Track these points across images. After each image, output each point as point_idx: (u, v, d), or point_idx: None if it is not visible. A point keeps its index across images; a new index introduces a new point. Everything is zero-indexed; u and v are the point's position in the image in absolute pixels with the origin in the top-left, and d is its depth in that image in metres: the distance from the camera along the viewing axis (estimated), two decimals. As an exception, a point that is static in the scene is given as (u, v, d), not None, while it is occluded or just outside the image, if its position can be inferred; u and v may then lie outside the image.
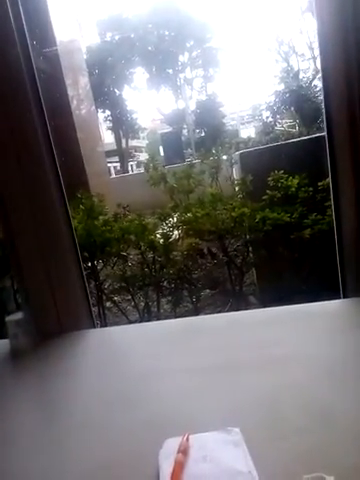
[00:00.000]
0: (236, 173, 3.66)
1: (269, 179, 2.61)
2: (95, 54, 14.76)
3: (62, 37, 7.75)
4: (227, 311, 3.06)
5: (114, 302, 2.96)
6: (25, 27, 1.41)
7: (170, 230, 2.78)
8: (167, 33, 15.41)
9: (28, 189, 1.45)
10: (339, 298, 1.30)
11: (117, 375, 1.02)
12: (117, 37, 15.56)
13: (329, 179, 1.30)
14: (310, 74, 10.99)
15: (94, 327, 1.54)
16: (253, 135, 12.57)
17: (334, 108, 1.23)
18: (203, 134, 15.57)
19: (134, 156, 18.28)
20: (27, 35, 1.42)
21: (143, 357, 1.07)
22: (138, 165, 18.27)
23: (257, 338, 1.04)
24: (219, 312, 3.09)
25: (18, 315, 1.35)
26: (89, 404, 0.92)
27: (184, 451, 0.71)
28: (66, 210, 1.57)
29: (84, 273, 1.55)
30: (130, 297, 2.91)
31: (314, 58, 12.10)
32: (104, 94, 15.41)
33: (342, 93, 1.19)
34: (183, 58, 16.27)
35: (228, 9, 23.14)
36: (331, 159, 1.29)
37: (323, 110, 1.28)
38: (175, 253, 2.76)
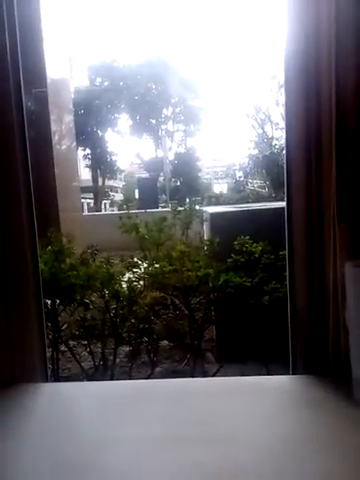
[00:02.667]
0: (206, 230, 3.81)
1: (235, 243, 2.74)
2: (82, 95, 15.27)
3: (53, 74, 8.00)
4: (184, 366, 3.05)
5: (70, 348, 2.89)
6: (20, 66, 1.52)
7: (136, 280, 2.81)
8: (154, 87, 16.29)
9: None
10: (289, 371, 1.37)
11: (65, 439, 1.01)
12: (106, 83, 16.25)
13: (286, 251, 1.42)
14: (282, 142, 11.83)
15: (47, 380, 1.52)
16: (225, 191, 13.13)
17: (294, 185, 1.37)
18: (178, 183, 16.10)
19: (109, 195, 18.46)
20: (21, 74, 1.53)
21: (94, 421, 1.08)
22: (111, 204, 18.41)
23: (207, 410, 1.08)
24: (175, 367, 3.08)
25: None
26: (34, 468, 0.91)
27: None
28: (35, 257, 1.60)
29: (45, 324, 1.55)
30: (86, 343, 2.86)
31: (287, 128, 13.02)
32: (87, 133, 15.78)
33: (302, 167, 1.34)
34: (167, 111, 17.15)
35: (214, 74, 24.98)
36: (289, 232, 1.40)
37: (285, 187, 1.42)
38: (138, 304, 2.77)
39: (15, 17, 1.51)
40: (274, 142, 12.14)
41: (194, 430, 0.99)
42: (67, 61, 9.89)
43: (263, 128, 13.12)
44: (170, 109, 17.04)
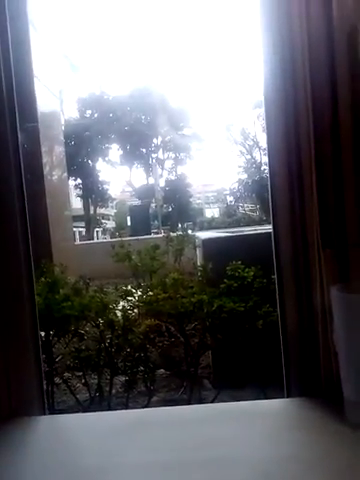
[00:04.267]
0: (199, 255, 3.86)
1: (227, 268, 2.79)
2: (73, 127, 15.60)
3: (43, 108, 8.20)
4: (181, 394, 3.02)
5: (65, 381, 2.86)
6: (16, 105, 1.60)
7: (131, 308, 2.82)
8: (143, 117, 16.73)
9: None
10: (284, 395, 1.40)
11: (66, 470, 1.02)
12: (96, 115, 16.66)
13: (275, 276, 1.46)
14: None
15: (45, 413, 1.52)
16: (217, 215, 13.33)
17: (279, 211, 1.43)
18: (170, 209, 16.28)
19: (101, 223, 18.54)
20: (17, 113, 1.60)
21: (93, 451, 1.08)
22: (104, 232, 18.46)
23: (205, 436, 1.10)
24: (172, 396, 3.05)
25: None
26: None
27: None
28: (32, 289, 1.63)
29: (41, 357, 1.56)
30: (81, 374, 2.83)
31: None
32: (78, 164, 16.02)
33: (285, 194, 1.40)
34: (156, 141, 17.57)
35: (201, 102, 25.78)
36: (276, 257, 1.45)
37: (270, 213, 1.48)
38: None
39: (10, 55, 1.60)
40: (263, 167, 12.48)
41: (192, 455, 1.01)
42: (57, 94, 10.15)
43: (251, 154, 13.51)
44: (160, 138, 17.47)
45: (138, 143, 16.62)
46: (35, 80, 7.59)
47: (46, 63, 8.47)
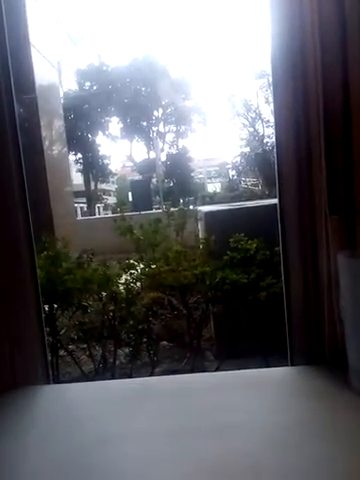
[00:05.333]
0: (201, 229, 3.83)
1: (230, 240, 2.76)
2: (72, 100, 15.25)
3: (41, 80, 7.99)
4: (184, 365, 3.07)
5: (69, 352, 2.90)
6: (11, 73, 1.53)
7: (133, 281, 2.82)
8: (144, 89, 16.31)
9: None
10: (287, 364, 1.40)
11: (71, 437, 1.03)
12: (95, 87, 16.25)
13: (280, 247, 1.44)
14: (274, 140, 11.92)
15: (49, 383, 1.53)
16: (218, 190, 13.20)
17: (285, 179, 1.39)
18: (172, 184, 16.12)
19: (102, 199, 18.43)
20: (12, 82, 1.54)
21: (97, 419, 1.09)
22: (105, 208, 18.39)
23: (209, 404, 1.10)
24: (175, 367, 3.09)
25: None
26: (38, 469, 0.92)
27: None
28: (33, 261, 1.61)
29: (44, 328, 1.56)
30: (86, 346, 2.86)
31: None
32: (77, 138, 15.76)
33: (292, 162, 1.36)
34: (157, 113, 17.19)
35: (203, 74, 25.10)
36: (281, 227, 1.42)
37: (276, 182, 1.44)
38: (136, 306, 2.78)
39: (4, 25, 1.52)
40: (265, 140, 12.25)
41: (197, 423, 1.01)
42: (55, 66, 9.87)
43: (254, 126, 13.22)
44: (160, 111, 17.09)
45: (138, 116, 16.29)
46: (32, 50, 7.36)
47: (43, 32, 8.19)
